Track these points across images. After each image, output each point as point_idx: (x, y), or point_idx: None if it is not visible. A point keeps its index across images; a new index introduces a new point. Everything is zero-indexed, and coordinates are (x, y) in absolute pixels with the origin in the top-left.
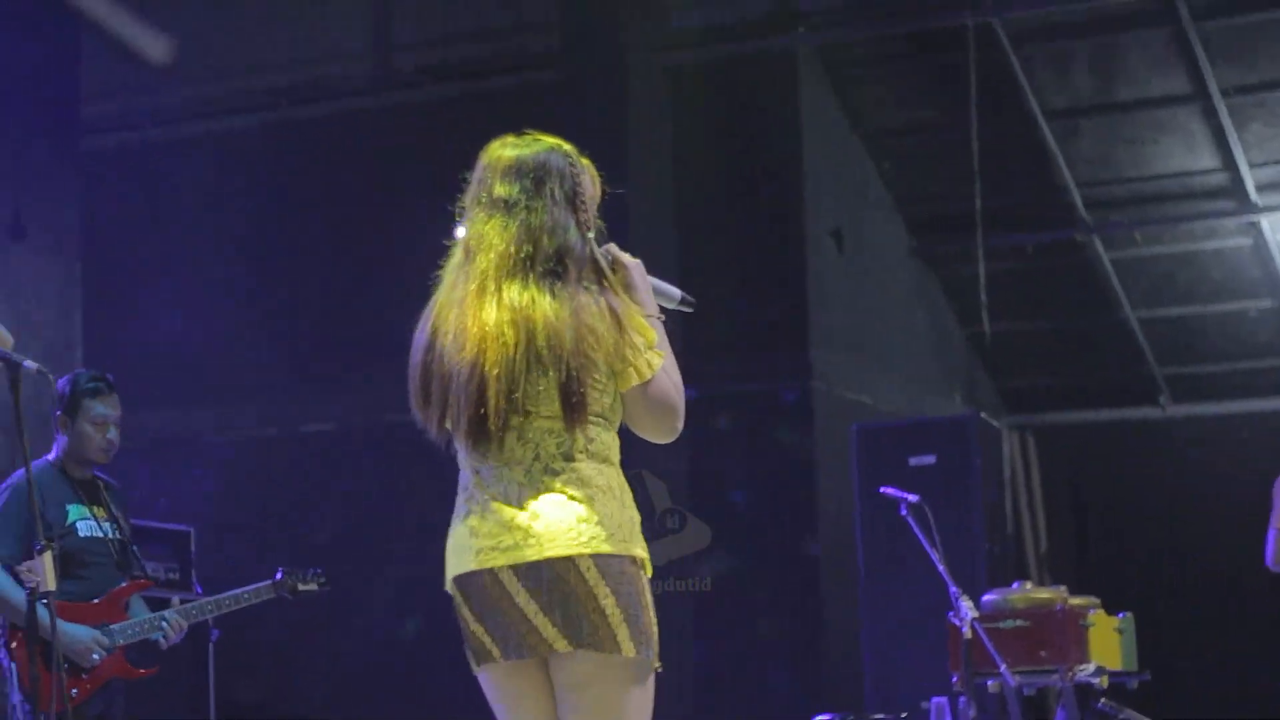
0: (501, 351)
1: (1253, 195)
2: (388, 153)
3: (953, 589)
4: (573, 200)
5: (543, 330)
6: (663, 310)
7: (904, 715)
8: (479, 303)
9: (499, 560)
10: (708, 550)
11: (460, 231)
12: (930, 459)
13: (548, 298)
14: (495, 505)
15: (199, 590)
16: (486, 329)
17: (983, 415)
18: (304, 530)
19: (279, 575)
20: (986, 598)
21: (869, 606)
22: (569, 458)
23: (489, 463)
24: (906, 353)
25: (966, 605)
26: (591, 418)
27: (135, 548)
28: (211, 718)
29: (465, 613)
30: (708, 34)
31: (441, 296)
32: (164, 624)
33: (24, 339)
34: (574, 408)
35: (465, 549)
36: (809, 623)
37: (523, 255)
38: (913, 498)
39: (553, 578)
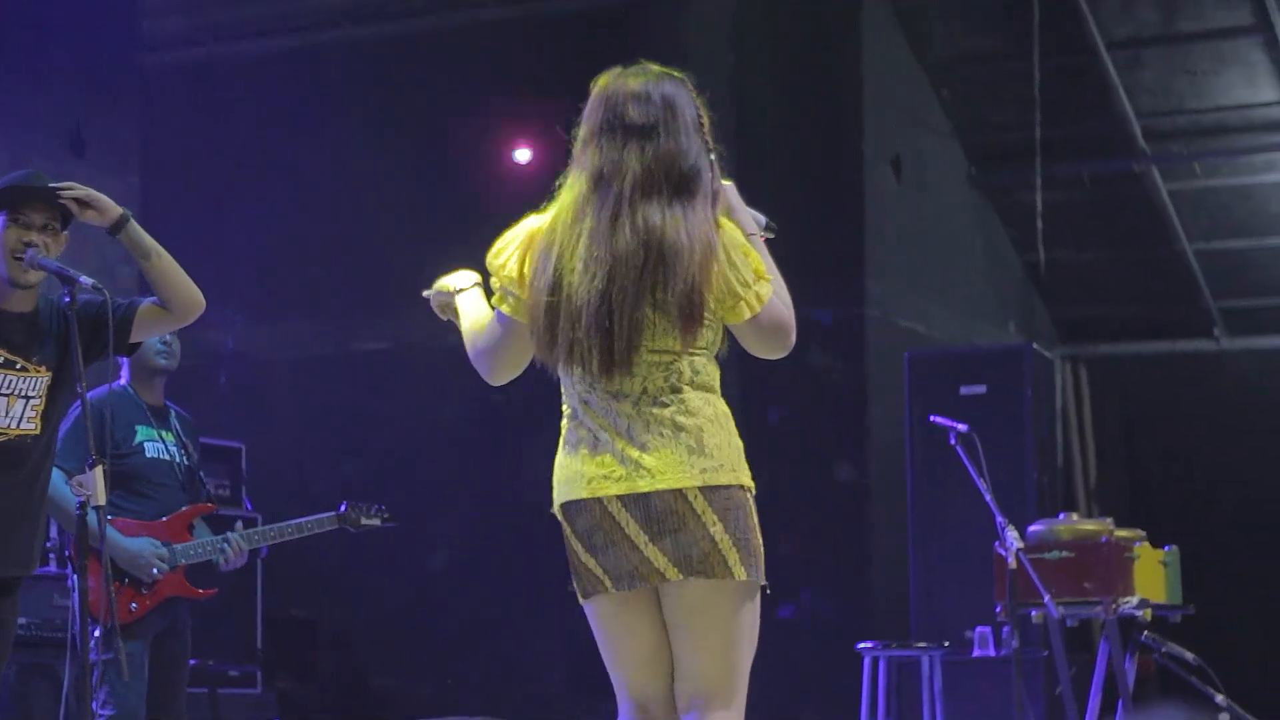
0: (630, 274)
1: None
2: (447, 74)
3: (999, 519)
4: (699, 127)
5: (670, 248)
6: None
7: (947, 644)
8: (612, 228)
9: (610, 490)
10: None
11: (580, 162)
12: (981, 389)
13: (680, 218)
14: (607, 435)
15: (249, 506)
16: (617, 254)
17: (1035, 346)
18: (355, 450)
19: (343, 508)
20: (1032, 528)
21: (916, 535)
22: (676, 389)
23: (596, 393)
24: (961, 281)
25: (1012, 535)
26: (697, 349)
27: (203, 474)
28: (259, 633)
29: (575, 545)
30: None
31: (562, 232)
32: (225, 547)
33: (81, 254)
34: (691, 317)
35: (576, 477)
36: (855, 550)
37: (659, 179)
38: (962, 427)
39: (663, 509)
